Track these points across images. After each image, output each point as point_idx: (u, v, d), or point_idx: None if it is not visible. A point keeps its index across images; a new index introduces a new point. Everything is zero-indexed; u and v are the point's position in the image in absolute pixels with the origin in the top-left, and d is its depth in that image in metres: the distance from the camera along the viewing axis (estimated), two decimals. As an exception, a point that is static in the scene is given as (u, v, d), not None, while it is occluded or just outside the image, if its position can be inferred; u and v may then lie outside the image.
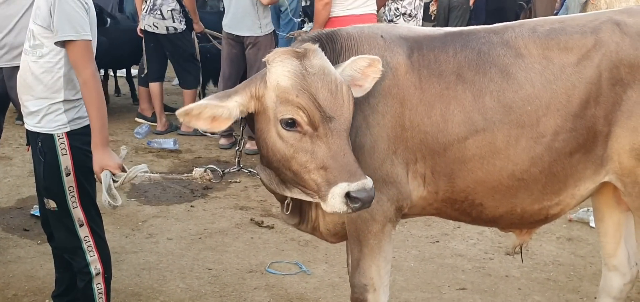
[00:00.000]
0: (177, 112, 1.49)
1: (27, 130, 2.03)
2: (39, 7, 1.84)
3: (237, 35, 4.07)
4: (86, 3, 1.88)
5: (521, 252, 2.06)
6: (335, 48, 1.73)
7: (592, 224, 3.23)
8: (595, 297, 2.20)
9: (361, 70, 1.59)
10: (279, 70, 1.46)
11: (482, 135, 1.71)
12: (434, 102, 1.72)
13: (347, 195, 1.34)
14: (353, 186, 1.36)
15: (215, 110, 1.48)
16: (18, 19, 2.66)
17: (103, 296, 2.04)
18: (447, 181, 1.77)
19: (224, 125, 1.52)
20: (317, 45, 1.59)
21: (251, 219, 3.37)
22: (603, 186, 1.83)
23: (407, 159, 1.74)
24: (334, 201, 1.37)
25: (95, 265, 1.98)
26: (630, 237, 2.02)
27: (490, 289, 2.73)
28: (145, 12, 4.26)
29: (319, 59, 1.51)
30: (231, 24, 4.11)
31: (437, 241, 3.19)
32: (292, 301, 2.60)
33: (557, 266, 3.05)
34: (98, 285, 2.01)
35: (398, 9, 4.39)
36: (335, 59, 1.69)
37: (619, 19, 1.78)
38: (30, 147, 2.11)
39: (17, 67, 2.14)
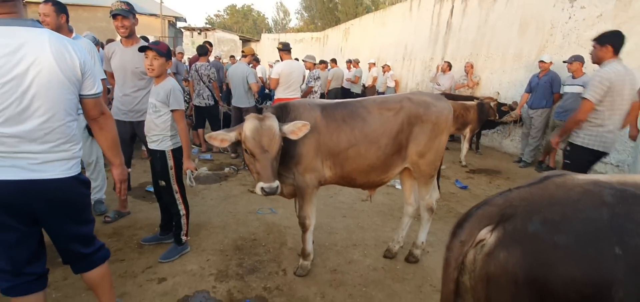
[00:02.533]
0: (206, 136, 2.54)
1: (149, 148, 3.03)
2: (159, 93, 2.86)
3: (238, 107, 6.21)
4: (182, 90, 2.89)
5: (370, 199, 3.33)
6: (287, 112, 2.71)
7: (398, 186, 5.05)
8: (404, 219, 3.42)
9: (298, 128, 2.51)
10: (247, 125, 2.43)
11: (355, 147, 2.75)
12: (333, 133, 2.71)
13: (262, 188, 2.39)
14: (266, 185, 2.38)
15: (224, 136, 2.51)
16: (141, 98, 3.62)
17: (186, 226, 3.13)
18: (340, 168, 2.79)
19: (227, 144, 2.53)
20: (273, 113, 2.60)
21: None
22: (404, 169, 3.00)
23: (322, 159, 2.75)
24: (257, 189, 2.41)
25: (182, 210, 3.11)
26: (416, 191, 3.17)
27: (356, 216, 4.06)
28: (195, 95, 6.39)
29: (269, 120, 2.44)
30: (235, 100, 6.29)
31: (331, 197, 4.62)
32: (269, 225, 3.93)
33: (383, 204, 4.69)
34: (183, 219, 3.12)
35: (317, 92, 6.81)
36: (285, 118, 2.63)
37: (410, 96, 2.89)
38: (151, 157, 3.09)
39: (142, 122, 3.21)
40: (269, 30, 42.33)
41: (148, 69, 2.86)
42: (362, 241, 3.69)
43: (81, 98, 1.83)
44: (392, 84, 11.55)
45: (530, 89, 6.97)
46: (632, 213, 0.95)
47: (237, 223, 3.98)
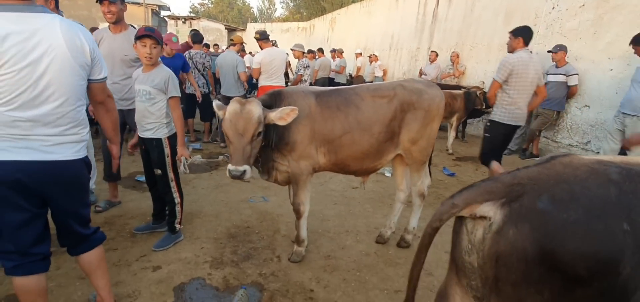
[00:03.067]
0: (215, 104, 2.63)
1: (141, 137, 2.96)
2: (154, 80, 2.79)
3: (227, 96, 6.01)
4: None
5: (363, 185, 3.42)
6: (281, 99, 2.67)
7: (388, 174, 5.19)
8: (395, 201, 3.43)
9: (286, 114, 2.46)
10: (228, 107, 2.44)
11: (349, 134, 2.77)
12: (327, 120, 2.71)
13: (229, 170, 2.37)
14: (232, 168, 2.37)
15: (217, 111, 2.59)
16: (131, 86, 3.38)
17: (180, 214, 3.13)
18: (334, 155, 2.79)
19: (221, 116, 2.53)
20: (267, 100, 2.63)
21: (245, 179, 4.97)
22: (397, 155, 3.03)
23: (316, 146, 2.74)
24: (227, 171, 2.40)
25: (177, 198, 3.09)
26: (408, 177, 3.22)
27: (347, 203, 4.24)
28: (189, 84, 6.28)
29: (250, 105, 2.40)
30: (225, 90, 6.18)
31: (322, 185, 4.67)
32: (261, 213, 3.94)
33: (373, 191, 4.73)
34: (178, 207, 3.11)
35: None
36: (279, 105, 2.58)
37: (403, 84, 2.92)
38: (138, 148, 3.08)
39: (132, 110, 3.09)
40: (255, 20, 41.76)
41: (146, 56, 2.79)
42: (354, 228, 3.74)
43: (89, 83, 1.89)
44: (379, 74, 11.62)
45: (513, 78, 7.07)
46: (638, 191, 0.98)
47: (230, 211, 3.99)
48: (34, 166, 1.68)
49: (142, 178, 4.34)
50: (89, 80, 1.87)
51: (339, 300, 2.61)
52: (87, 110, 2.35)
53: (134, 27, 3.55)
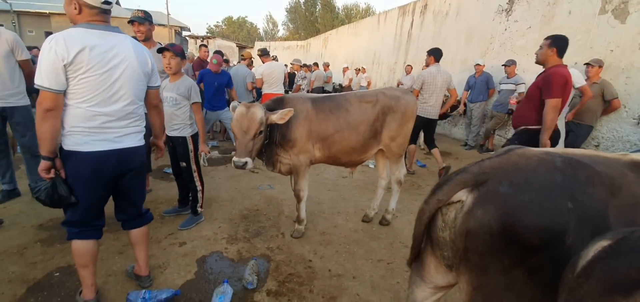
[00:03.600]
0: (231, 106, 2.58)
1: (168, 135, 2.88)
2: (179, 88, 2.76)
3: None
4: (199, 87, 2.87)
5: (351, 175, 3.36)
6: (283, 104, 2.65)
7: (371, 165, 5.11)
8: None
9: (284, 114, 2.44)
10: (236, 110, 2.43)
11: (340, 133, 2.77)
12: (322, 121, 2.72)
13: (233, 161, 2.35)
14: (236, 159, 2.34)
15: (231, 112, 2.54)
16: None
17: (201, 199, 3.07)
18: (327, 150, 2.81)
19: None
20: (271, 105, 2.58)
21: (250, 170, 4.69)
22: (379, 150, 3.03)
23: (313, 142, 2.75)
24: (232, 162, 2.37)
25: (199, 186, 3.03)
26: (388, 168, 3.20)
27: (339, 190, 4.17)
28: None
29: (254, 108, 2.39)
30: (238, 97, 5.77)
31: (318, 175, 4.63)
32: (268, 198, 3.87)
33: (360, 180, 4.27)
34: (200, 194, 3.06)
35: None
36: (281, 109, 2.53)
37: (384, 91, 2.92)
38: (167, 145, 2.91)
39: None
40: (261, 39, 41.47)
41: (166, 67, 2.75)
42: (345, 209, 3.72)
43: (148, 89, 1.96)
44: (364, 84, 11.54)
45: (468, 87, 7.12)
46: (578, 176, 0.99)
47: (242, 197, 3.94)
48: (109, 154, 1.74)
49: (170, 170, 4.28)
50: (148, 87, 1.95)
51: (332, 268, 2.60)
52: None
53: (161, 44, 3.48)
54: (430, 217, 1.18)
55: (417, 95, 4.67)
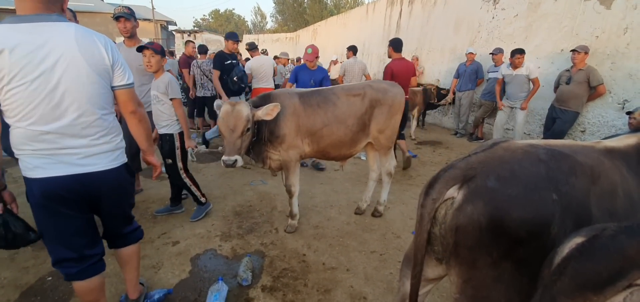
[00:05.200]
0: (215, 104, 2.58)
1: (159, 133, 2.85)
2: (159, 86, 2.74)
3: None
4: (178, 82, 2.76)
5: (342, 168, 3.36)
6: (269, 100, 2.61)
7: (363, 157, 5.06)
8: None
9: (270, 110, 2.43)
10: (222, 108, 2.40)
11: (328, 127, 2.75)
12: (309, 116, 2.68)
13: (222, 159, 2.33)
14: (225, 158, 2.32)
15: (217, 110, 2.49)
16: (147, 91, 3.25)
17: (198, 191, 3.09)
18: (316, 144, 2.78)
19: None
20: (258, 101, 2.55)
21: (242, 166, 4.64)
22: (368, 143, 3.02)
23: (301, 137, 2.72)
24: (221, 161, 2.34)
25: (188, 182, 3.02)
26: (378, 160, 3.20)
27: (331, 183, 4.17)
28: (200, 87, 6.10)
29: (240, 106, 2.36)
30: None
31: (307, 166, 4.63)
32: (261, 194, 3.86)
33: (352, 172, 4.31)
34: (192, 188, 3.05)
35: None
36: (267, 104, 2.49)
37: (371, 84, 2.91)
38: (158, 143, 2.89)
39: (149, 112, 2.89)
40: (249, 32, 40.94)
41: (147, 65, 2.74)
42: (337, 202, 3.74)
43: (114, 90, 1.53)
44: (336, 76, 11.41)
45: (458, 75, 7.17)
46: (561, 167, 1.01)
47: (235, 194, 3.93)
48: (71, 180, 1.41)
49: (163, 169, 4.20)
50: (113, 87, 1.52)
51: (326, 261, 2.63)
52: None
53: (143, 42, 3.42)
54: (431, 220, 1.17)
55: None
